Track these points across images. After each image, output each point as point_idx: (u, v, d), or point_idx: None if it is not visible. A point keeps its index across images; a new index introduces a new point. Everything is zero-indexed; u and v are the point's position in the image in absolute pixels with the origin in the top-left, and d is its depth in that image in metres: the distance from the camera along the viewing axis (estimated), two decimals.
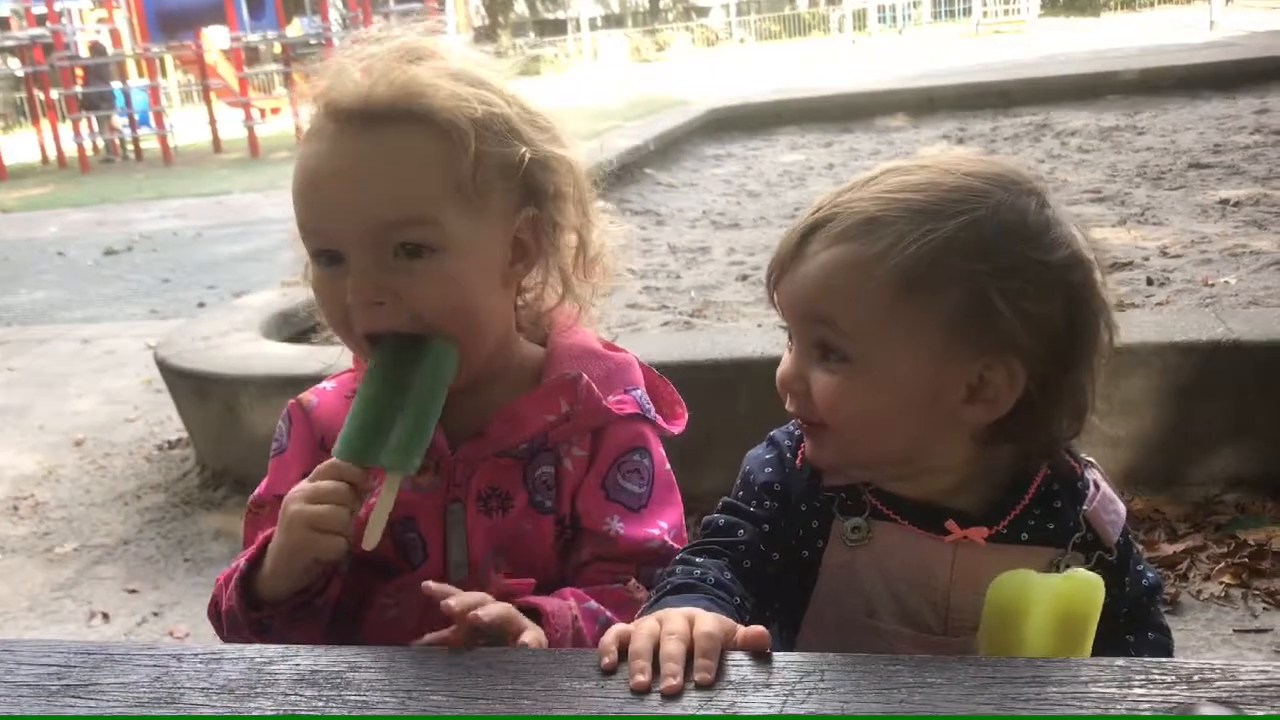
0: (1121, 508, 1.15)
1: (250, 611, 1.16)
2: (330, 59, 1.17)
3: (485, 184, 1.14)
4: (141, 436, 4.61)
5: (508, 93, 1.19)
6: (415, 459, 1.13)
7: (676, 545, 1.22)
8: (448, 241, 1.13)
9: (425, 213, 1.12)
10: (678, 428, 1.30)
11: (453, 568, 1.20)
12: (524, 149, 1.16)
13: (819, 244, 1.07)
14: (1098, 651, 1.03)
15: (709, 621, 0.93)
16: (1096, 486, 1.14)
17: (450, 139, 1.12)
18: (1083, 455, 1.16)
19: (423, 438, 1.13)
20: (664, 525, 1.23)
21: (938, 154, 1.11)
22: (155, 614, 3.16)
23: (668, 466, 1.27)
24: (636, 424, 1.25)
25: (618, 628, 0.94)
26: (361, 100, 1.12)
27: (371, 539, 1.11)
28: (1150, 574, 1.19)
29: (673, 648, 0.90)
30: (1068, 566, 1.10)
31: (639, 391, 1.27)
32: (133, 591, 3.29)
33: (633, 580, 1.19)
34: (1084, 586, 0.99)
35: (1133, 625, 1.15)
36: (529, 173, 1.17)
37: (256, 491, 1.30)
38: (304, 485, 1.13)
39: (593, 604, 1.15)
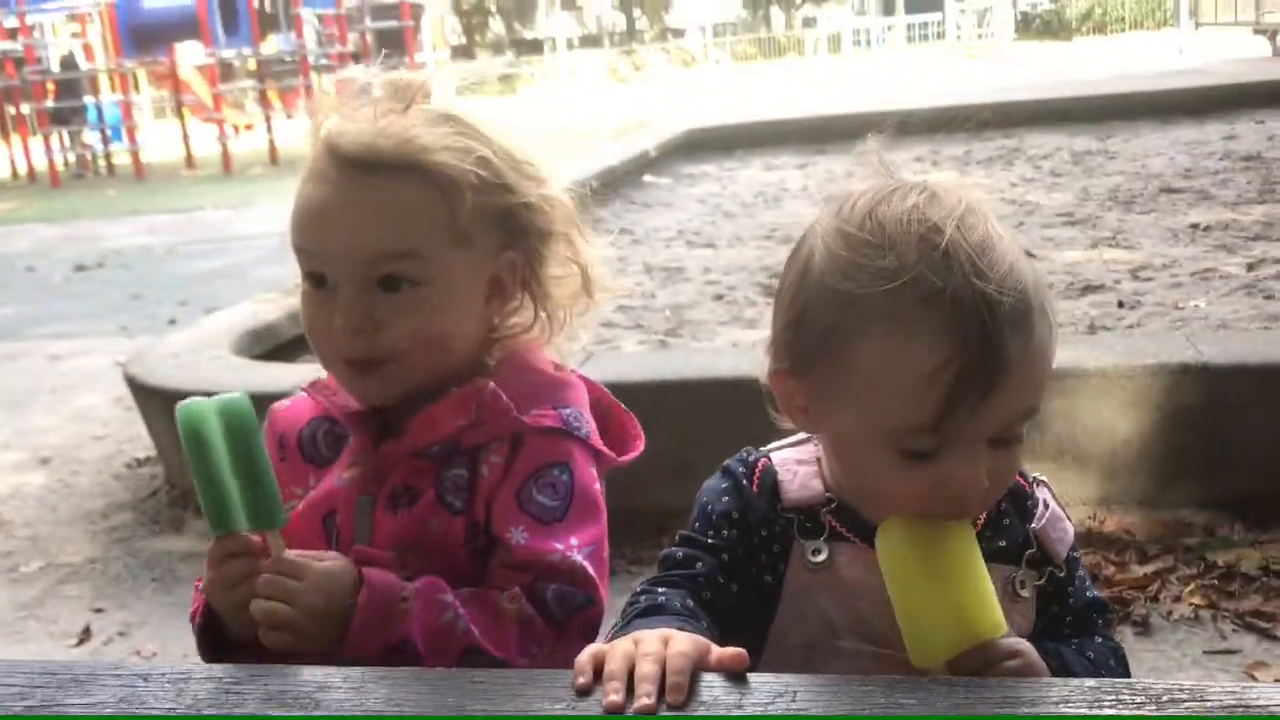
0: (1069, 526, 1.17)
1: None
2: (327, 97, 1.26)
3: (471, 230, 1.25)
4: (110, 454, 4.56)
5: (497, 141, 1.28)
6: (276, 515, 1.19)
7: (583, 562, 1.23)
8: (424, 276, 1.22)
9: (411, 251, 1.22)
10: (627, 457, 1.32)
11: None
12: (512, 198, 1.26)
13: (1020, 339, 1.00)
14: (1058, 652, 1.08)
15: (683, 641, 0.93)
16: (1046, 505, 1.16)
17: (445, 192, 1.22)
18: (1032, 473, 1.18)
19: (267, 492, 1.18)
20: (573, 542, 1.23)
21: (951, 193, 1.05)
22: (121, 634, 3.12)
23: (597, 487, 1.29)
24: (561, 439, 1.26)
25: (593, 648, 0.94)
26: (364, 149, 1.22)
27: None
28: (1094, 591, 1.21)
29: (648, 668, 0.90)
30: (1022, 584, 1.13)
31: (569, 410, 1.29)
32: (99, 611, 3.25)
33: (515, 589, 1.21)
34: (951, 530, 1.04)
35: (1077, 633, 1.17)
36: (514, 217, 1.28)
37: None
38: (210, 574, 1.21)
39: (447, 597, 1.19)
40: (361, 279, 1.21)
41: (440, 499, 1.25)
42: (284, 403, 1.40)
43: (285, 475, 1.30)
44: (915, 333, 0.98)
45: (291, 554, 1.17)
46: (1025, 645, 1.03)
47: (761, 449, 1.20)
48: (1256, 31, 19.82)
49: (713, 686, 0.91)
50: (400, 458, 1.26)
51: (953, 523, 1.05)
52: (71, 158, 18.51)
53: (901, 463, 1.03)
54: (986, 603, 1.02)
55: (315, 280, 1.25)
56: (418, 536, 1.24)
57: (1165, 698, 0.84)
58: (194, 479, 1.17)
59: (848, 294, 1.01)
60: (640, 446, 1.35)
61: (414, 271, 1.22)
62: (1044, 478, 1.20)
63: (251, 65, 20.26)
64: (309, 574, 1.16)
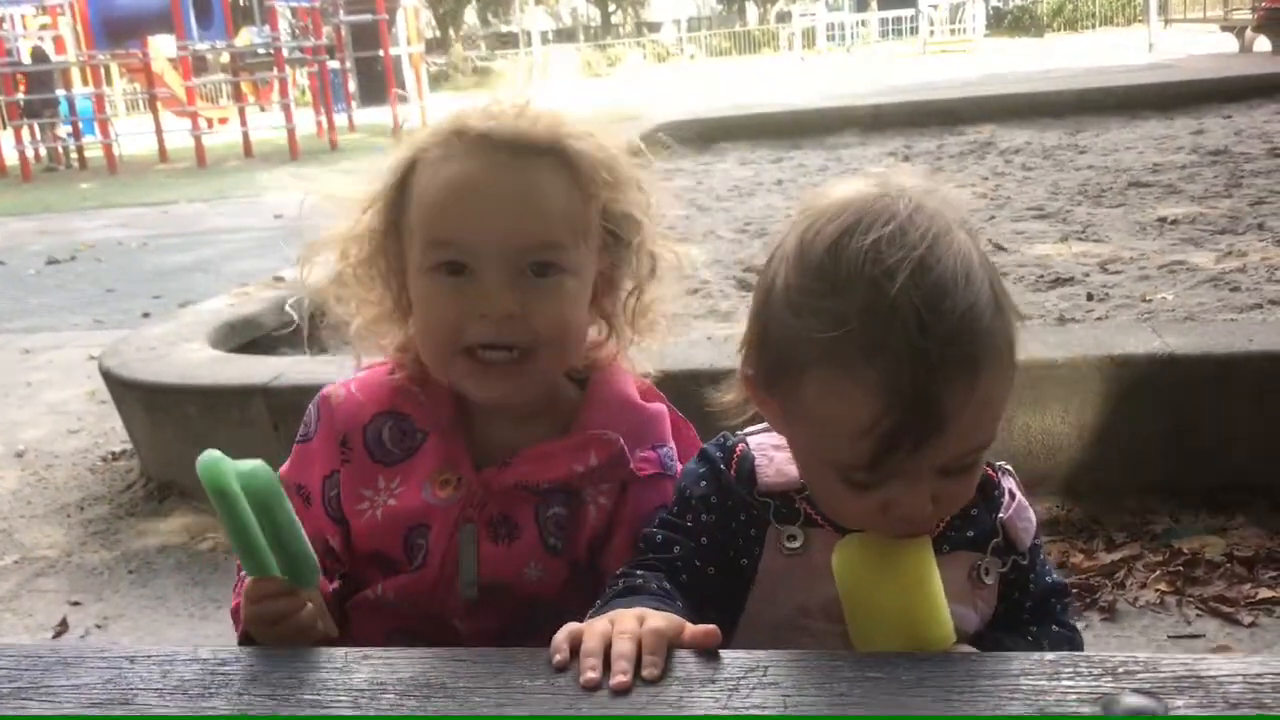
0: (1033, 515, 1.21)
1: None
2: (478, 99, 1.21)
3: (591, 226, 1.25)
4: (85, 448, 4.54)
5: (618, 142, 1.28)
6: (310, 576, 1.14)
7: None
8: (568, 265, 1.22)
9: (559, 240, 1.21)
10: None
11: (464, 586, 1.24)
12: (621, 203, 1.27)
13: (962, 393, 0.99)
14: (1005, 644, 1.12)
15: (658, 619, 0.96)
16: (1012, 495, 1.20)
17: (582, 182, 1.23)
18: (997, 462, 1.21)
19: (299, 555, 1.13)
20: None
21: (921, 222, 1.02)
22: (99, 626, 3.12)
23: None
24: (661, 481, 1.28)
25: (569, 627, 0.97)
26: (519, 135, 1.21)
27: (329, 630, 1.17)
28: (1055, 576, 1.25)
29: (624, 646, 0.93)
30: (986, 571, 1.17)
31: (666, 449, 1.30)
32: (75, 604, 3.25)
33: None
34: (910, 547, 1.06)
35: (1036, 619, 1.21)
36: (618, 223, 1.27)
37: (281, 471, 1.31)
38: (249, 609, 1.14)
39: None
40: (512, 266, 1.19)
41: (542, 540, 1.24)
42: (339, 393, 1.32)
43: (351, 478, 1.28)
44: (854, 381, 0.99)
45: None
46: (972, 653, 1.06)
47: (739, 433, 1.23)
48: (1224, 28, 20.03)
49: (686, 662, 0.94)
50: (503, 487, 1.24)
51: (909, 539, 1.07)
52: (43, 151, 18.34)
53: (848, 488, 1.06)
54: (937, 619, 1.05)
55: (450, 268, 1.20)
56: (514, 577, 1.23)
57: (1121, 669, 0.87)
58: (222, 527, 1.13)
59: (796, 330, 1.02)
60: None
61: (560, 260, 1.21)
62: (1009, 466, 1.23)
63: (225, 58, 20.12)
64: None
